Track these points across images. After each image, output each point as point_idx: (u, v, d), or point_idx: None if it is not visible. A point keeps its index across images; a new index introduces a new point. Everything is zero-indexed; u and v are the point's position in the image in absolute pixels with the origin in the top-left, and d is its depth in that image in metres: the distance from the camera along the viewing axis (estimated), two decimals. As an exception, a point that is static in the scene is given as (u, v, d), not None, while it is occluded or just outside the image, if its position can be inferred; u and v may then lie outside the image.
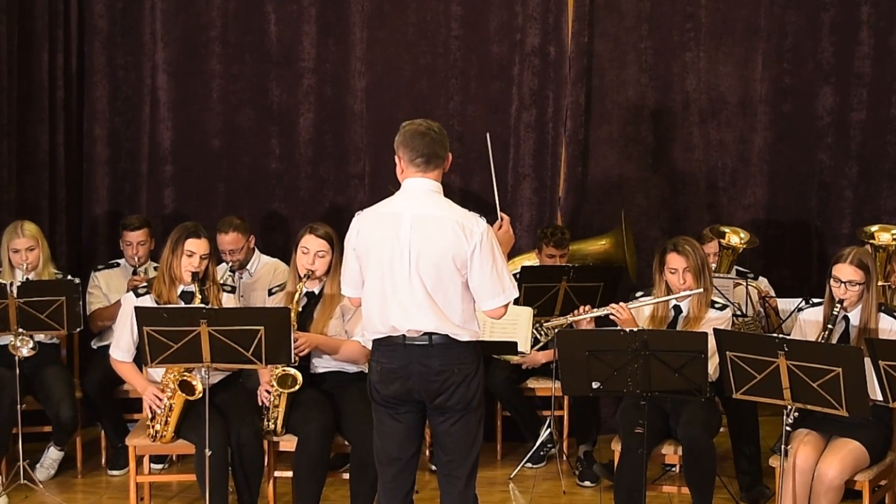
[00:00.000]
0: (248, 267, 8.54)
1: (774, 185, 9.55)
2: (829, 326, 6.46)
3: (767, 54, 9.47)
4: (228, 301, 7.17)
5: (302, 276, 7.01)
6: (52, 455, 8.16)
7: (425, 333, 5.56)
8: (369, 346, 6.96)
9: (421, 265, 5.52)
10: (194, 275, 6.91)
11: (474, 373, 5.62)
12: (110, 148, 9.57)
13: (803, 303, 7.03)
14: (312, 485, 6.85)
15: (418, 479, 5.95)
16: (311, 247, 7.04)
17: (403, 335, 5.58)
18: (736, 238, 8.51)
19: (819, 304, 6.72)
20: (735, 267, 8.47)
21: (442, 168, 5.67)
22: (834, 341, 6.45)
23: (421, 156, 5.60)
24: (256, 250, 8.65)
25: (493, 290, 5.57)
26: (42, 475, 8.04)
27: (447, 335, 5.55)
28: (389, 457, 5.77)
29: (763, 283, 8.43)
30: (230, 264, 8.41)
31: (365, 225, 5.69)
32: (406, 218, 5.56)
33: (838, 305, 6.48)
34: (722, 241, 8.44)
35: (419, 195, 5.63)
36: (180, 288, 7.03)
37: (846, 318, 6.56)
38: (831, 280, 6.53)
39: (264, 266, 8.58)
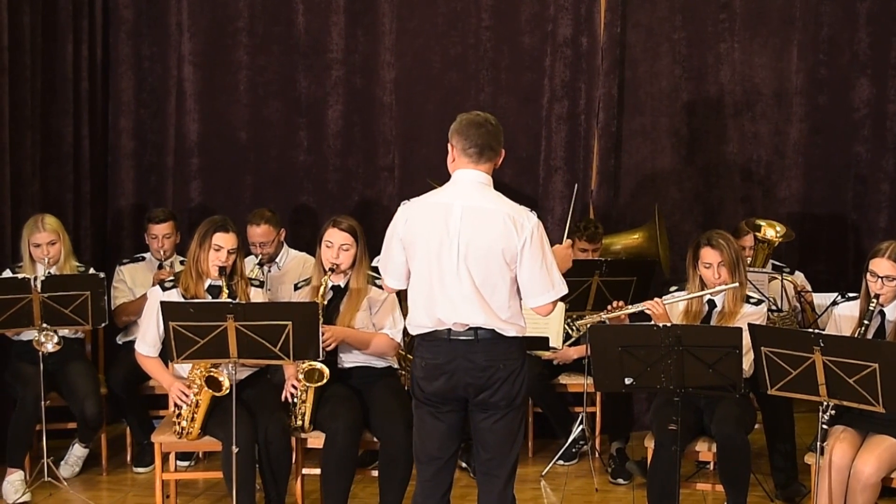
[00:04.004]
0: (276, 260, 8.48)
1: (810, 178, 9.45)
2: (866, 322, 6.40)
3: (803, 45, 9.36)
4: (257, 296, 7.11)
5: (327, 269, 6.95)
6: (77, 452, 8.12)
7: (471, 328, 5.50)
8: (398, 339, 6.96)
9: (470, 258, 5.45)
10: (221, 269, 6.85)
11: (520, 369, 5.57)
12: (136, 140, 9.54)
13: (839, 297, 6.93)
14: (341, 482, 6.80)
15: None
16: (335, 240, 6.98)
17: (449, 329, 5.52)
18: (772, 231, 8.41)
19: (854, 298, 6.68)
20: (770, 261, 8.37)
21: (494, 162, 5.60)
22: (870, 337, 6.40)
23: (475, 146, 5.54)
24: (285, 244, 8.59)
25: (543, 285, 5.51)
26: (66, 472, 7.99)
27: (493, 330, 5.50)
28: (429, 455, 5.74)
29: (799, 277, 8.34)
30: (259, 257, 8.34)
31: (413, 214, 5.62)
32: (456, 209, 5.50)
33: (874, 300, 6.42)
34: (758, 234, 8.35)
35: (470, 187, 5.56)
36: (207, 282, 6.97)
37: (882, 313, 6.51)
38: (868, 274, 6.49)
39: (293, 260, 8.52)
